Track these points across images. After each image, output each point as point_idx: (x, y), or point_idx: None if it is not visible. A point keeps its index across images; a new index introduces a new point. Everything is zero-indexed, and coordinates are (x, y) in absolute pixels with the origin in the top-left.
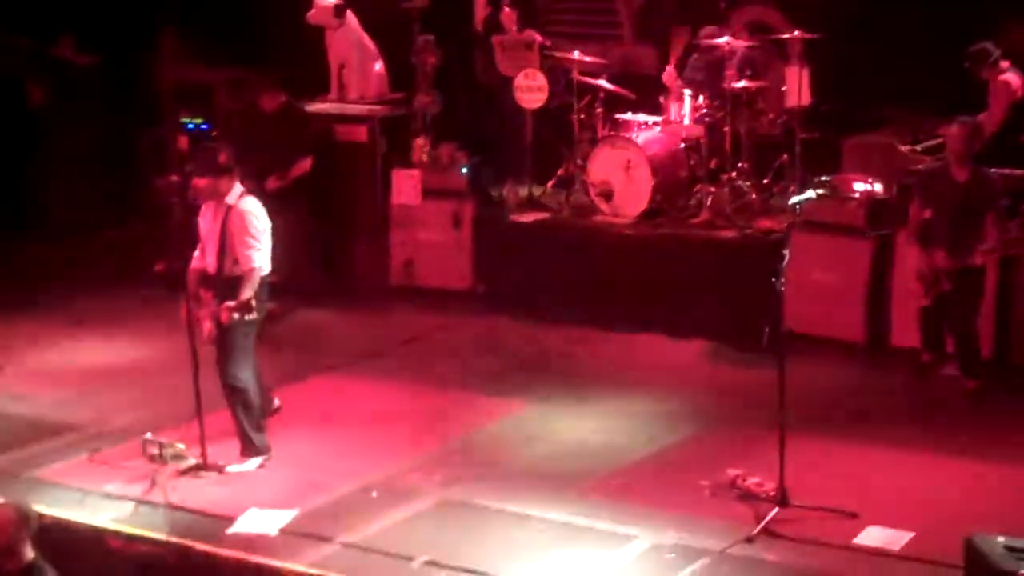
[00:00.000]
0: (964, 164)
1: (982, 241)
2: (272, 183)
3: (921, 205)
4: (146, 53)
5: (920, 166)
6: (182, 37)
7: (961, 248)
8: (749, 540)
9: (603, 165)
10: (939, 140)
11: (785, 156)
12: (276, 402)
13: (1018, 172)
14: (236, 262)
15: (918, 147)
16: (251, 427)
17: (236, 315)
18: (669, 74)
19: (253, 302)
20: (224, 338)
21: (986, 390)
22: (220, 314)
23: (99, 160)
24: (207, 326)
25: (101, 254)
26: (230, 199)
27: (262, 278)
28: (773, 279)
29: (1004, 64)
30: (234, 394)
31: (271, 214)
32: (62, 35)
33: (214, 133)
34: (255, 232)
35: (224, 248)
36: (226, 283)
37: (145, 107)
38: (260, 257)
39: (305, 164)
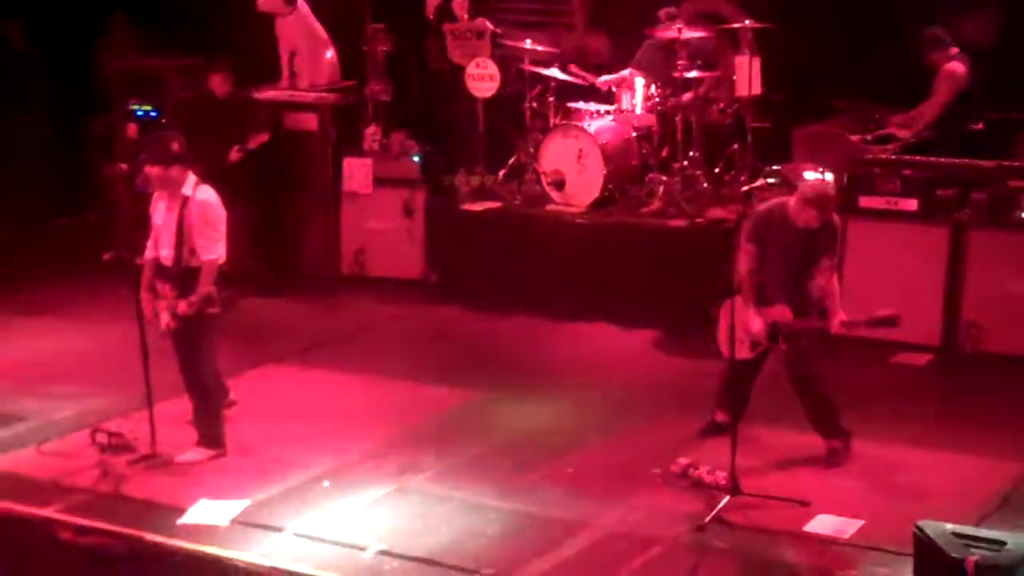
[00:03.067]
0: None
1: (814, 291)
2: (234, 154)
3: (754, 251)
4: (95, 40)
5: (760, 207)
6: (131, 24)
7: (799, 302)
8: (700, 528)
9: (555, 154)
10: (888, 130)
11: (736, 145)
12: (230, 395)
13: (968, 162)
14: (193, 252)
15: (868, 136)
16: (210, 419)
17: (198, 309)
18: (603, 83)
19: (215, 295)
20: (188, 332)
21: (848, 447)
22: (179, 307)
23: (48, 148)
24: (165, 318)
25: (49, 243)
26: (186, 189)
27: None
28: (724, 268)
29: (953, 51)
30: (195, 387)
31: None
32: (9, 21)
33: (163, 121)
34: (214, 222)
35: (181, 239)
36: (183, 274)
37: (94, 94)
38: (219, 248)
39: (262, 136)
